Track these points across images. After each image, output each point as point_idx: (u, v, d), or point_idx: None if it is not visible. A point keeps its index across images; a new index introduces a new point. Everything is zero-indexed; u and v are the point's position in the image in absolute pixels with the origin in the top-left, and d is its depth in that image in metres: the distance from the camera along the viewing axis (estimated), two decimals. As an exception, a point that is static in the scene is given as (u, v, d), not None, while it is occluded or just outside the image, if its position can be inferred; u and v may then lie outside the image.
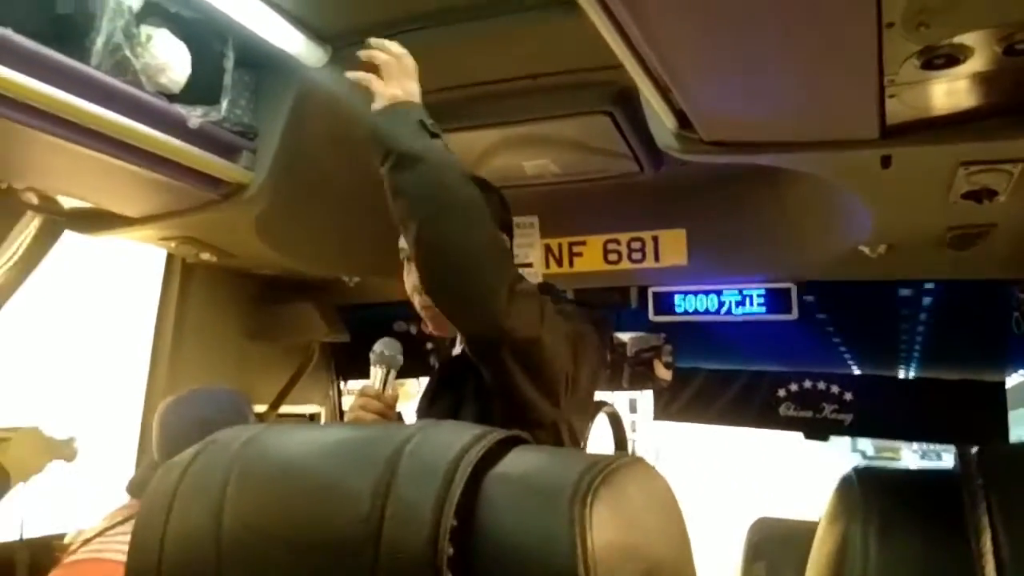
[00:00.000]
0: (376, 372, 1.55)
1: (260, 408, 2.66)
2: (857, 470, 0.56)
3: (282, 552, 0.54)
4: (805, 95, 1.24)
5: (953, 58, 1.07)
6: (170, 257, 2.37)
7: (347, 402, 2.98)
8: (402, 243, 1.53)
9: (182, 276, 2.37)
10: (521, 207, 2.47)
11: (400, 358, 1.55)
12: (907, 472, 0.57)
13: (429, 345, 2.74)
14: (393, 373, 1.55)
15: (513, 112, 1.90)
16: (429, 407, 1.57)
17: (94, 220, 1.96)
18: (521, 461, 0.55)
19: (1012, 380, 2.57)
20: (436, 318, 1.52)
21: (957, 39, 1.03)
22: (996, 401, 2.41)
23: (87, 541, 1.50)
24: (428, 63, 1.75)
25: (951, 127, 1.29)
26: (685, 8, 0.97)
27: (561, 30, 1.53)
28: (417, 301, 1.54)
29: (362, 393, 1.54)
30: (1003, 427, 2.40)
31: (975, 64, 1.09)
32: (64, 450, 1.82)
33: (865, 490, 0.53)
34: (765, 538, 2.16)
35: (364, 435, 0.58)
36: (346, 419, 1.56)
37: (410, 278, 1.52)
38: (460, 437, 0.54)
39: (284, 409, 2.75)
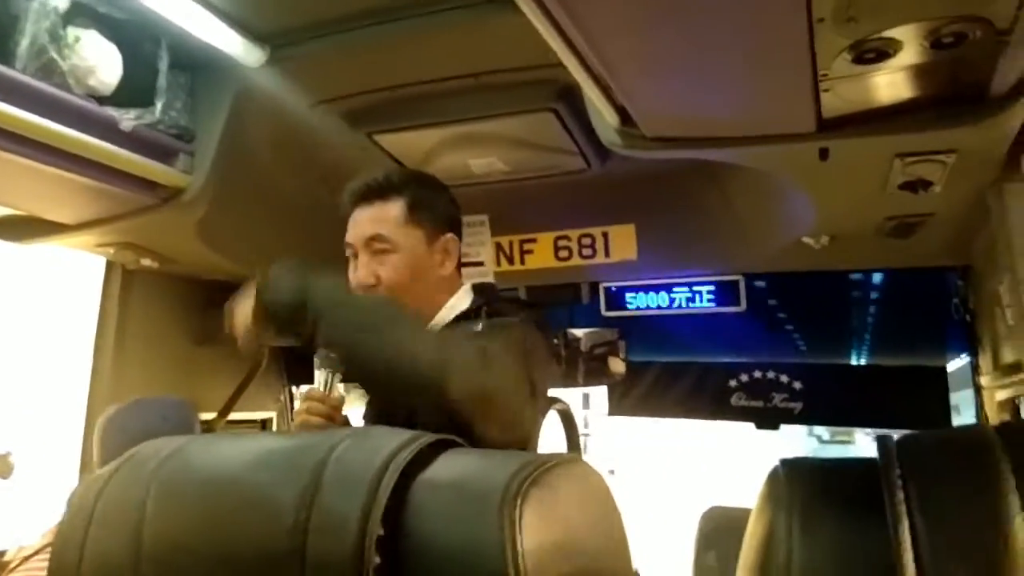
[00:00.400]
0: (320, 375, 1.53)
1: (209, 415, 2.60)
2: (784, 462, 0.56)
3: (205, 569, 0.52)
4: (742, 90, 1.25)
5: (883, 52, 1.09)
6: (109, 264, 2.30)
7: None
8: (348, 237, 1.51)
9: (122, 283, 2.30)
10: (470, 206, 2.45)
11: None
12: (833, 462, 0.57)
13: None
14: (338, 376, 1.52)
15: (457, 111, 1.89)
16: (376, 420, 1.55)
17: (26, 228, 1.89)
18: (451, 465, 0.54)
19: (954, 364, 2.64)
20: None
21: (886, 33, 1.05)
22: (939, 385, 2.47)
23: (27, 559, 1.44)
24: (368, 62, 1.74)
25: (886, 119, 1.32)
26: (620, 6, 0.97)
27: (502, 28, 1.52)
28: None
29: (308, 397, 1.51)
30: (945, 410, 2.46)
31: (905, 57, 1.11)
32: None
33: (790, 481, 0.54)
34: (716, 527, 2.18)
35: (291, 444, 0.56)
36: (294, 423, 1.55)
37: (355, 275, 1.50)
38: (388, 442, 0.53)
39: (234, 415, 2.69)
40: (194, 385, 2.52)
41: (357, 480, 0.50)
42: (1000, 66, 1.14)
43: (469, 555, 0.48)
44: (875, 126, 1.33)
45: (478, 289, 1.60)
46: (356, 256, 1.50)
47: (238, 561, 0.51)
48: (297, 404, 1.54)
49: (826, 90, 1.19)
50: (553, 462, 0.54)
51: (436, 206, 1.53)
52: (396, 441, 0.53)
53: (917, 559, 0.42)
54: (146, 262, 2.16)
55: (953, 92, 1.26)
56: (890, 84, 1.23)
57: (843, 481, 0.54)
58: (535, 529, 0.49)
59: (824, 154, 1.41)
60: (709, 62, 1.12)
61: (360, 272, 1.48)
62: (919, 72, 1.18)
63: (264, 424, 2.89)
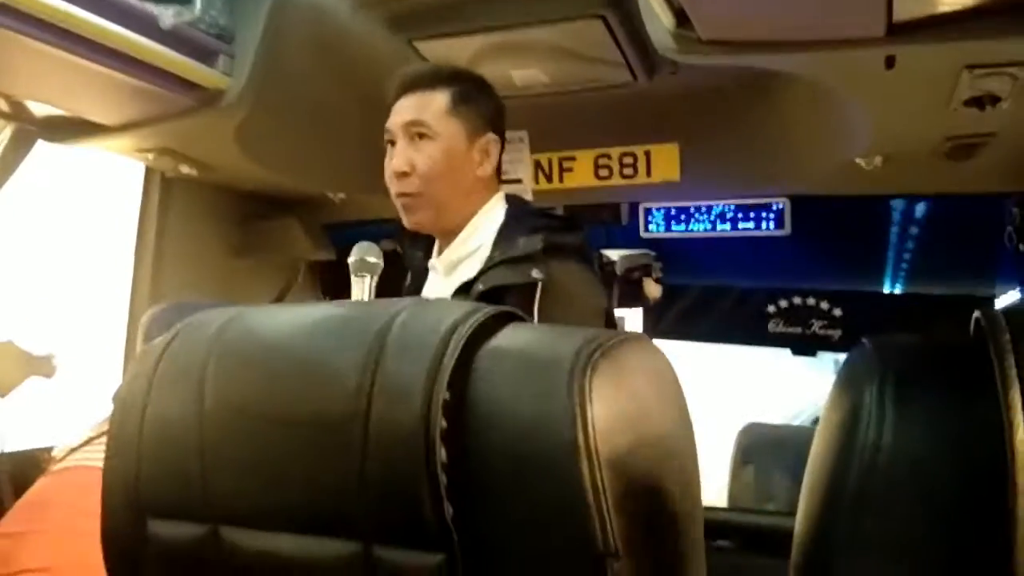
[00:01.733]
0: (359, 283, 1.50)
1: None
2: (870, 338, 0.53)
3: (268, 431, 0.51)
4: (810, -13, 1.18)
5: (967, -57, 1.02)
6: (149, 172, 2.30)
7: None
8: (388, 124, 1.48)
9: (162, 191, 2.30)
10: (510, 121, 2.39)
11: (381, 262, 1.51)
12: (926, 337, 0.54)
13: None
14: (376, 280, 1.51)
15: (501, 16, 1.83)
16: None
17: (68, 129, 1.88)
18: (516, 336, 0.52)
19: (1004, 300, 2.57)
20: (412, 206, 1.47)
21: (972, -79, 0.98)
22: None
23: (74, 450, 1.48)
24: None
25: (958, 25, 1.25)
26: None
27: (554, -77, 1.46)
28: (394, 188, 1.48)
29: None
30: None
31: (989, -49, 1.04)
32: (43, 366, 1.79)
33: (881, 354, 0.51)
34: (754, 443, 2.19)
35: (351, 312, 0.55)
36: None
37: (390, 164, 1.47)
38: (451, 312, 0.51)
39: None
40: (231, 296, 2.54)
41: (422, 345, 0.49)
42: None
43: (538, 422, 0.47)
44: (946, 32, 1.26)
45: (511, 201, 1.57)
46: (393, 145, 1.47)
47: (301, 424, 0.50)
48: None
49: (899, -13, 1.13)
50: (621, 337, 0.52)
51: (481, 103, 1.50)
52: (460, 310, 0.52)
53: (1029, 421, 0.40)
54: (185, 169, 2.15)
55: (1033, -3, 1.19)
56: (967, -16, 1.15)
57: (940, 353, 0.51)
58: (604, 398, 0.47)
59: (891, 62, 1.34)
60: (778, -47, 1.05)
61: (395, 159, 1.45)
62: (1002, -32, 1.10)
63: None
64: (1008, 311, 0.46)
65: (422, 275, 1.60)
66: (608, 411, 0.47)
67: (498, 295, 1.34)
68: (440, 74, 1.49)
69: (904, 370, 0.49)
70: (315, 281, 2.94)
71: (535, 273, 1.34)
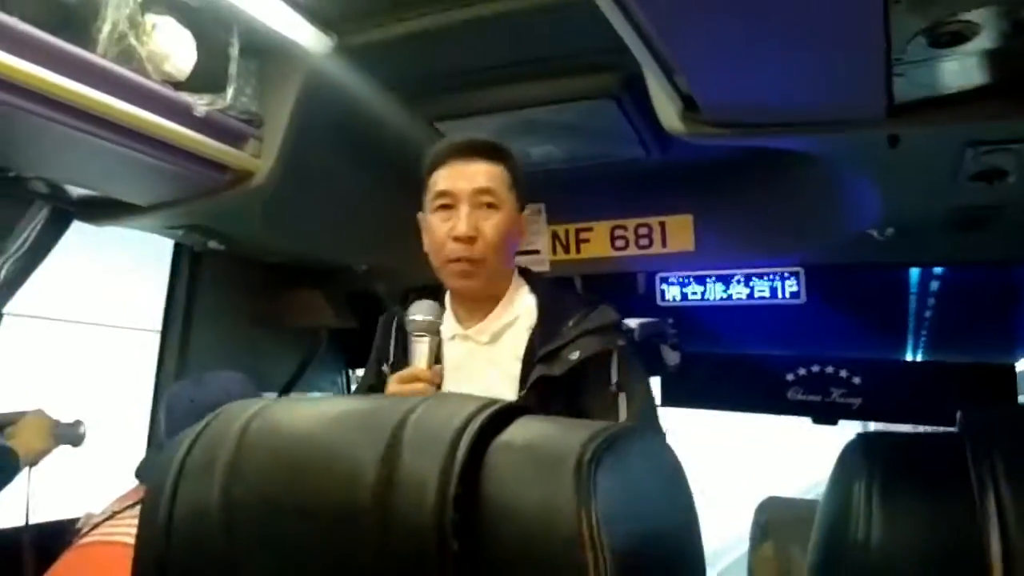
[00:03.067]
0: (422, 345, 1.42)
1: (270, 395, 2.67)
2: (861, 435, 0.56)
3: (292, 521, 0.54)
4: (812, 75, 1.23)
5: (961, 35, 1.06)
6: (178, 245, 2.38)
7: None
8: (448, 187, 1.47)
9: (191, 264, 2.38)
10: (527, 194, 2.47)
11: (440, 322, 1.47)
12: (912, 435, 0.55)
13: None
14: (436, 340, 1.45)
15: (519, 98, 1.90)
16: None
17: (102, 209, 1.96)
18: (525, 430, 0.55)
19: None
20: (471, 272, 1.45)
21: (964, 16, 1.02)
22: (1007, 384, 2.39)
23: (97, 525, 1.51)
24: (433, 49, 1.76)
25: (959, 106, 1.28)
26: (690, -12, 0.97)
27: (568, 13, 1.53)
28: (453, 252, 1.44)
29: (415, 377, 1.41)
30: (1013, 410, 2.39)
31: (983, 41, 1.08)
32: (70, 434, 1.83)
33: (869, 452, 0.53)
34: (773, 518, 2.16)
35: (369, 406, 0.58)
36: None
37: (451, 225, 1.45)
38: (464, 407, 0.55)
39: (293, 396, 2.76)
40: (255, 365, 2.59)
41: (436, 440, 0.52)
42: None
43: (544, 516, 0.49)
44: (947, 113, 1.30)
45: (528, 273, 1.62)
46: (450, 207, 1.47)
47: (322, 515, 0.53)
48: (391, 385, 1.43)
49: (899, 74, 1.17)
50: (625, 431, 0.55)
51: (523, 183, 1.56)
52: (472, 405, 0.55)
53: (1003, 530, 0.42)
54: (213, 244, 2.22)
55: (1030, 78, 1.23)
56: (964, 69, 1.19)
57: (924, 454, 0.53)
58: (608, 493, 0.50)
59: (894, 141, 1.38)
60: (779, 46, 1.10)
61: (463, 224, 1.44)
62: (997, 56, 1.14)
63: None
64: (986, 415, 0.48)
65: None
66: (610, 504, 0.49)
67: (581, 365, 1.41)
68: (500, 148, 1.52)
69: (890, 469, 0.51)
70: (337, 350, 2.99)
71: (620, 341, 1.46)
